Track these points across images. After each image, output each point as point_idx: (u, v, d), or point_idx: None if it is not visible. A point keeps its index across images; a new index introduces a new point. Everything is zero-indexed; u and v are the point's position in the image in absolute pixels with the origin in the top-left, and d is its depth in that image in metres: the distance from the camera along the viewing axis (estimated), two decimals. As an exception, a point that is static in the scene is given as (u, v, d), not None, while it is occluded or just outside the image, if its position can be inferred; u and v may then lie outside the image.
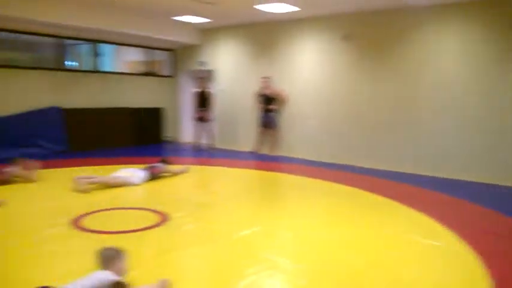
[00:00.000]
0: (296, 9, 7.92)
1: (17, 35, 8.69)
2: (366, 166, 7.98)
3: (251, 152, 9.63)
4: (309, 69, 8.94)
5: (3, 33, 8.44)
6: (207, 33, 10.59)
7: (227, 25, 10.04)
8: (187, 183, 6.56)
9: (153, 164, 6.51)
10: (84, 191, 5.42)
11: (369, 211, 5.02)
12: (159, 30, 9.67)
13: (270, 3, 7.58)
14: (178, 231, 4.10)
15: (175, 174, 6.75)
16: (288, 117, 9.28)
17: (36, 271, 3.07)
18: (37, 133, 8.59)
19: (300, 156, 8.98)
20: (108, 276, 2.55)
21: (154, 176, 6.31)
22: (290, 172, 7.42)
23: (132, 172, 6.08)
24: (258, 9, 8.03)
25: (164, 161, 6.69)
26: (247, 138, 9.88)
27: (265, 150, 9.55)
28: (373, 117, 8.08)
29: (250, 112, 9.79)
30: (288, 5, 7.66)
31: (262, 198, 5.93)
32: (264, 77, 9.31)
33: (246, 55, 10.00)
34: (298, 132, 9.15)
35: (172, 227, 4.22)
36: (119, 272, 2.65)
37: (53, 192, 5.54)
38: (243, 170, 7.55)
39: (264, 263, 3.33)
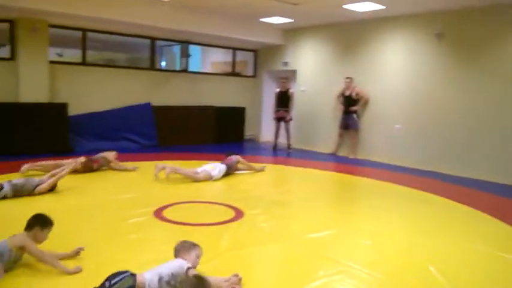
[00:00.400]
0: (381, 7, 7.65)
1: (115, 36, 9.43)
2: (455, 174, 7.47)
3: (330, 154, 9.49)
4: (394, 69, 8.58)
5: (103, 35, 9.20)
6: (290, 33, 10.62)
7: (309, 25, 9.98)
8: (263, 181, 6.64)
9: (226, 158, 6.77)
10: (167, 178, 5.75)
11: (454, 222, 4.71)
12: (244, 31, 9.92)
13: (355, 2, 7.42)
14: (252, 228, 4.18)
15: (251, 169, 6.97)
16: (370, 119, 8.99)
17: (120, 258, 3.29)
18: (130, 127, 9.26)
19: (380, 160, 8.66)
20: (183, 264, 2.66)
21: (229, 168, 6.52)
22: (370, 176, 7.17)
23: (214, 166, 6.37)
24: (342, 9, 7.89)
25: (233, 153, 6.94)
26: (326, 140, 9.75)
27: (344, 153, 9.36)
28: (464, 122, 7.53)
29: (330, 113, 9.65)
30: (374, 4, 7.43)
31: (340, 201, 5.82)
32: (347, 78, 9.12)
33: (328, 55, 9.87)
34: (380, 135, 8.82)
35: (246, 223, 4.30)
36: (192, 263, 2.76)
37: (139, 183, 5.92)
38: (320, 171, 7.46)
39: (336, 267, 3.26)
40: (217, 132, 10.63)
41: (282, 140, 10.05)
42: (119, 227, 4.03)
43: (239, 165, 6.91)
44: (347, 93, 9.11)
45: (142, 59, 10.43)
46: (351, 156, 9.16)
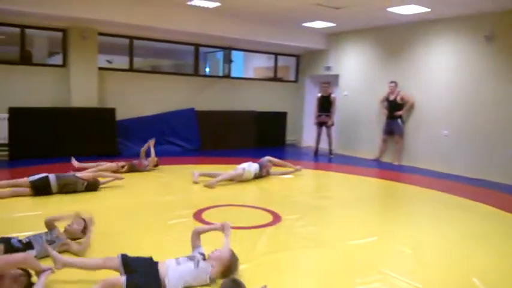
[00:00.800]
0: (426, 10, 7.43)
1: (161, 43, 9.70)
2: (504, 182, 7.10)
3: (373, 160, 9.29)
4: (440, 73, 8.28)
5: (149, 42, 9.50)
6: (332, 37, 10.52)
7: (352, 29, 9.84)
8: (302, 186, 6.61)
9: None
10: (210, 186, 5.85)
11: (500, 232, 4.48)
12: (286, 36, 9.94)
13: (399, 5, 7.25)
14: (289, 233, 4.16)
15: (287, 168, 7.00)
16: (415, 125, 8.72)
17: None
18: (174, 132, 9.50)
19: (426, 167, 8.36)
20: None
21: (261, 167, 6.57)
22: (414, 183, 6.94)
23: (247, 165, 6.48)
24: (386, 12, 7.74)
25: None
26: (369, 145, 9.55)
27: (388, 159, 9.13)
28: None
29: (374, 118, 9.46)
30: (418, 6, 7.23)
31: (382, 208, 5.68)
32: (391, 82, 8.91)
33: (372, 59, 9.68)
34: (426, 141, 8.53)
35: (284, 227, 4.30)
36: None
37: (180, 185, 6.05)
38: (362, 177, 7.31)
39: (374, 275, 3.19)
40: (259, 137, 10.68)
41: (324, 146, 9.94)
42: (159, 227, 4.14)
43: (274, 170, 6.91)
44: (391, 97, 8.90)
45: (186, 65, 10.68)
46: (395, 163, 8.92)
